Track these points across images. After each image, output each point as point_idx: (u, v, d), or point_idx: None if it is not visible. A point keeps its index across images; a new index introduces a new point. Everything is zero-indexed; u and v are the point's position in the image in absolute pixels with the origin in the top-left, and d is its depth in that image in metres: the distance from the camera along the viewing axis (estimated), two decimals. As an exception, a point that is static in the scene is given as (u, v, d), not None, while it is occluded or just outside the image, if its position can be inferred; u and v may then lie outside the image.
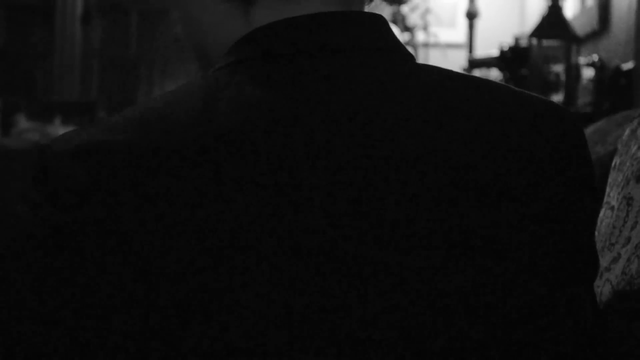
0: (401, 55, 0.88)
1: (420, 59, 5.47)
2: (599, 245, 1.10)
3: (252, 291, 0.74)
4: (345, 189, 0.77)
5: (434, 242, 0.78)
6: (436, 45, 5.64)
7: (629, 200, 1.08)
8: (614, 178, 1.13)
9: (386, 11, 5.54)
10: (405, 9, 5.58)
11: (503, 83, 0.89)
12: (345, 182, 0.77)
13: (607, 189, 1.14)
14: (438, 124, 0.81)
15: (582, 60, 3.58)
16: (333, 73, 0.82)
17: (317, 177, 0.77)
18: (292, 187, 0.76)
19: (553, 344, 0.82)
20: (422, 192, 0.78)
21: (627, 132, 1.08)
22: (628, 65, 3.20)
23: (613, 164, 1.14)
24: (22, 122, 4.20)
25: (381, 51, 0.86)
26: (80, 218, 0.74)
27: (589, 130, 1.26)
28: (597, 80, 3.42)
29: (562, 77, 3.58)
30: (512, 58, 3.76)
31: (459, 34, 5.67)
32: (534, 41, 3.66)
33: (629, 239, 1.06)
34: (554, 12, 3.64)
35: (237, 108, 0.79)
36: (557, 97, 3.57)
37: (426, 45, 5.61)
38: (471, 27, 4.90)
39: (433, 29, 5.65)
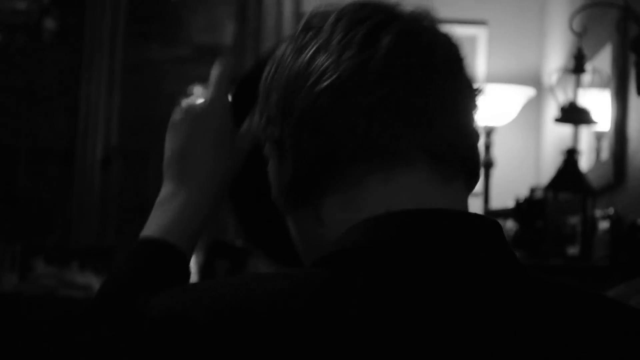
0: (515, 268, 0.87)
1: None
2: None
3: None
4: None
5: None
6: (452, 193, 5.66)
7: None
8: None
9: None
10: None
11: (626, 305, 0.89)
12: None
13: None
14: (554, 346, 0.81)
15: (598, 213, 3.59)
16: (449, 287, 0.83)
17: None
18: None
19: None
20: None
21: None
22: (644, 220, 3.21)
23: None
24: (40, 267, 4.21)
25: (496, 264, 0.86)
26: None
27: (609, 295, 1.26)
28: (613, 234, 3.42)
29: (578, 230, 3.59)
30: (527, 209, 3.77)
31: (475, 182, 5.71)
32: (550, 193, 3.68)
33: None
34: (570, 165, 3.67)
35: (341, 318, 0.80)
36: (573, 250, 3.57)
37: (442, 193, 5.64)
38: (487, 177, 4.94)
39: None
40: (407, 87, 0.90)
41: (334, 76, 0.90)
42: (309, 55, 0.93)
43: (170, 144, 1.13)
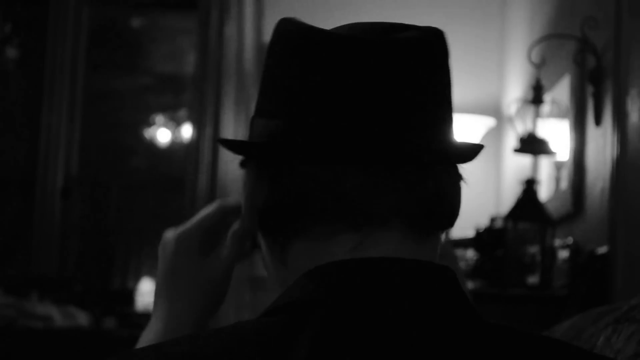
0: (468, 315, 0.87)
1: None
2: None
3: None
4: None
5: None
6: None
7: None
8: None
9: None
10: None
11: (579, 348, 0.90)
12: None
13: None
14: None
15: (557, 242, 3.62)
16: (398, 332, 0.83)
17: None
18: None
19: None
20: None
21: (601, 339, 1.09)
22: (602, 250, 3.24)
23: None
24: (-1, 297, 4.18)
25: (445, 313, 0.86)
26: None
27: (564, 326, 1.27)
28: (572, 263, 3.45)
29: (538, 259, 3.61)
30: (487, 239, 3.80)
31: (436, 212, 5.72)
32: (510, 223, 3.70)
33: None
34: (529, 194, 3.70)
35: None
36: (533, 279, 3.59)
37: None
38: (447, 206, 4.95)
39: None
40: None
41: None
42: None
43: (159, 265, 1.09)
